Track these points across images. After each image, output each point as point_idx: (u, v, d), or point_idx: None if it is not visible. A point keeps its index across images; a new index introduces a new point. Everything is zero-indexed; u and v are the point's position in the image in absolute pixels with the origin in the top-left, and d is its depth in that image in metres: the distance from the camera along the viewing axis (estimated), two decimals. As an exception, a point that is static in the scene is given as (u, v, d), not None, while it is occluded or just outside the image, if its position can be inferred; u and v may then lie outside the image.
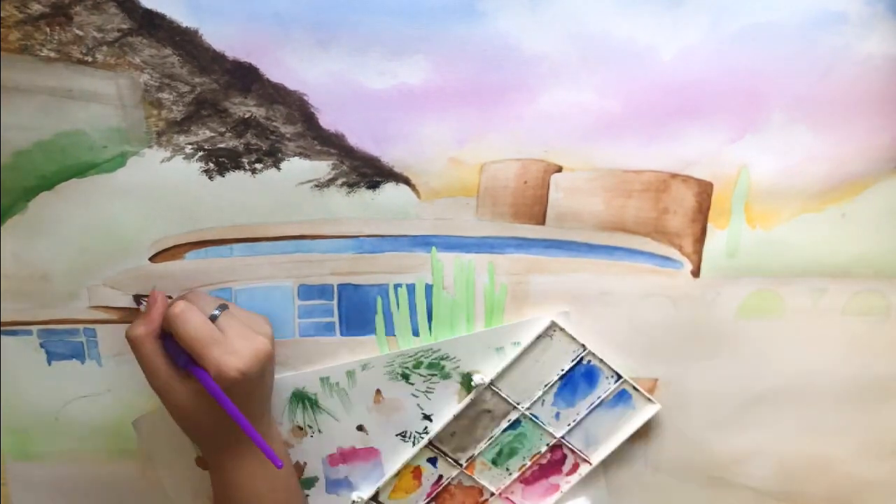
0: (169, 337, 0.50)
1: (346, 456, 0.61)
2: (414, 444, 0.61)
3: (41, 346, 0.56)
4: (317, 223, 0.55)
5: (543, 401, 0.60)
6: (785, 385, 0.61)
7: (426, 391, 0.59)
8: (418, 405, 0.60)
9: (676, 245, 0.57)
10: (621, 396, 0.61)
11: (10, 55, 0.49)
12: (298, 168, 0.53)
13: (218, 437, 0.53)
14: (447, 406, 0.60)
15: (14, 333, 0.56)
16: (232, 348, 0.49)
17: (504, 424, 0.61)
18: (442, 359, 0.59)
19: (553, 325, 0.58)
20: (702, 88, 0.53)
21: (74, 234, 0.54)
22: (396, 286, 0.57)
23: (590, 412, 0.61)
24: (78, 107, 0.50)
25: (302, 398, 0.59)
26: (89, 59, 0.50)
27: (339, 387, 0.59)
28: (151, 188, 0.53)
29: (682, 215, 0.56)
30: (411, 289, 0.57)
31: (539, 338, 0.58)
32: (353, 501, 0.61)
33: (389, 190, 0.54)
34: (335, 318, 0.57)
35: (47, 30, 0.49)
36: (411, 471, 0.62)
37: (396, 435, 0.61)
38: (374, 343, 0.58)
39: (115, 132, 0.51)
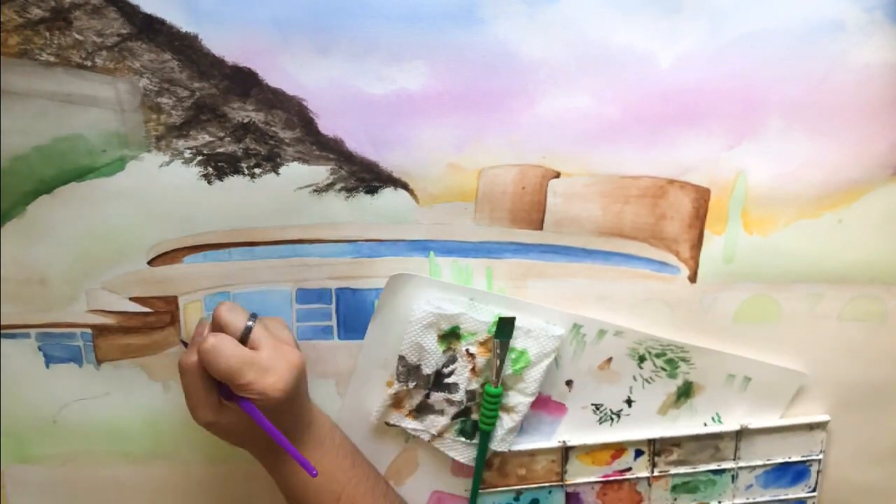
0: None
1: (536, 403, 0.59)
2: (601, 421, 0.61)
3: (39, 349, 0.56)
4: (315, 228, 0.55)
5: (753, 468, 0.63)
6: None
7: (647, 380, 0.60)
8: (630, 388, 0.60)
9: (673, 251, 0.57)
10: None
11: (9, 59, 0.49)
12: (297, 173, 0.53)
13: (273, 450, 0.53)
14: (652, 400, 0.61)
15: (12, 337, 0.56)
16: (269, 367, 0.50)
17: (713, 466, 0.62)
18: (682, 360, 0.59)
19: (819, 425, 0.61)
20: (699, 95, 0.53)
21: (73, 237, 0.54)
22: (394, 290, 0.57)
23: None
24: (77, 111, 0.51)
25: None
26: (89, 63, 0.50)
27: (584, 338, 0.58)
28: (150, 192, 0.53)
29: (679, 221, 0.56)
30: (409, 293, 0.57)
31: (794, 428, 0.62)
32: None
33: (388, 195, 0.54)
34: (333, 322, 0.57)
35: (47, 34, 0.49)
36: (615, 449, 0.62)
37: (592, 404, 0.61)
38: (371, 347, 0.58)
39: (114, 136, 0.51)
